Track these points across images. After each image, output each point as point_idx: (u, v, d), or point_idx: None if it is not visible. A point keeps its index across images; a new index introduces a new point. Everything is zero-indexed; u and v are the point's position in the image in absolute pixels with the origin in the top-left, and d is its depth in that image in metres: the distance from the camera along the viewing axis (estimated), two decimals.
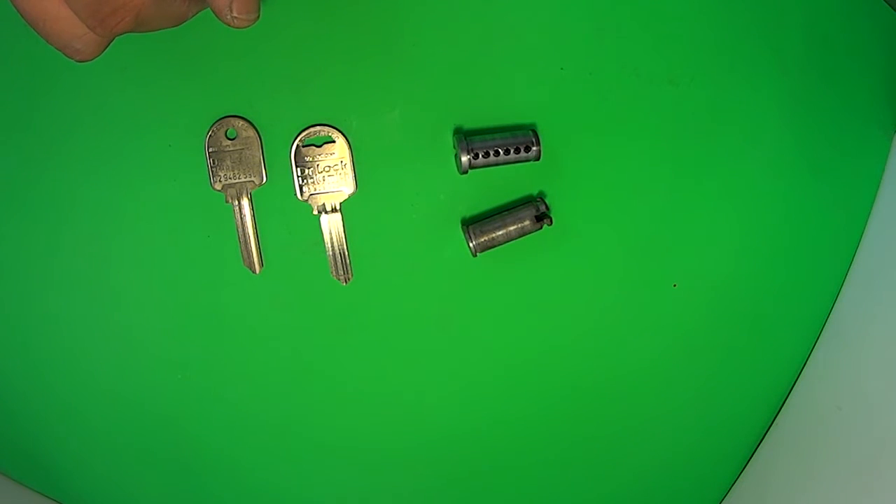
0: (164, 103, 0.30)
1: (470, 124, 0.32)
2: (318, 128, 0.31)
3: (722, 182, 0.33)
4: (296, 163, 0.31)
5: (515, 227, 0.31)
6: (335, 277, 0.32)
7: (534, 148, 0.31)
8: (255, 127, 0.31)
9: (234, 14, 0.23)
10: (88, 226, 0.31)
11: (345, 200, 0.31)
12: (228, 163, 0.31)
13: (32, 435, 0.32)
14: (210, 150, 0.31)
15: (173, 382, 0.32)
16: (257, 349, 0.32)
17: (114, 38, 0.23)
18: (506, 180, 0.32)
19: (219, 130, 0.31)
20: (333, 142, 0.31)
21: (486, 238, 0.31)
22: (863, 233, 0.35)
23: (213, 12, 0.23)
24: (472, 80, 0.31)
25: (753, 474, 0.36)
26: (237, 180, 0.31)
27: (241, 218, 0.31)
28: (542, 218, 0.31)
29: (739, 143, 0.33)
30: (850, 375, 0.33)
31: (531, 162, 0.31)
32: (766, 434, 0.36)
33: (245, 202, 0.31)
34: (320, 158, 0.31)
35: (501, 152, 0.30)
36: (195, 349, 0.32)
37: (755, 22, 0.32)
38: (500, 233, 0.31)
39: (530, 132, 0.31)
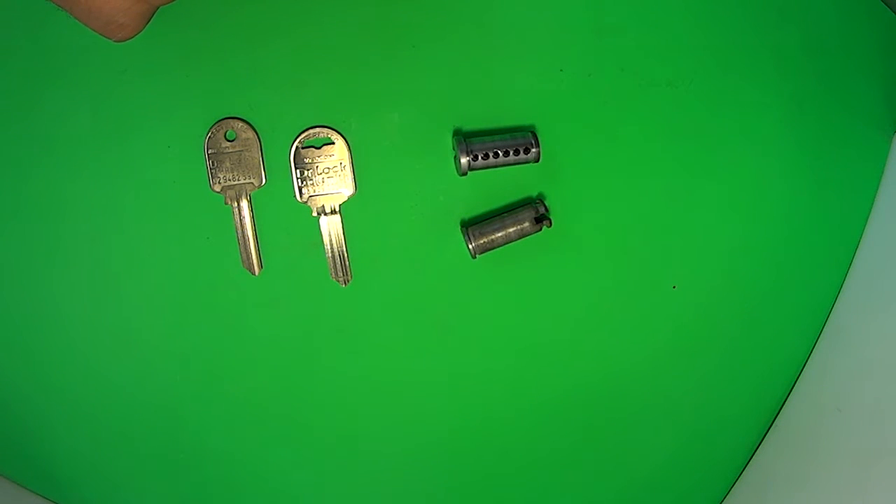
0: (163, 105, 0.30)
1: (469, 126, 0.32)
2: (317, 129, 0.31)
3: (721, 183, 0.33)
4: (295, 164, 0.31)
5: (515, 228, 0.31)
6: (334, 279, 0.32)
7: (533, 149, 0.31)
8: (254, 128, 0.31)
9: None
10: (88, 227, 0.31)
11: (344, 202, 0.31)
12: (228, 164, 0.31)
13: (32, 437, 0.32)
14: (209, 151, 0.31)
15: (173, 384, 0.32)
16: (256, 351, 0.32)
17: (154, 11, 0.23)
18: (505, 182, 0.32)
19: (218, 132, 0.31)
20: (333, 143, 0.31)
21: (486, 240, 0.31)
22: (863, 233, 0.35)
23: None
24: (471, 82, 0.31)
25: (753, 474, 0.36)
26: (236, 182, 0.31)
27: (241, 219, 0.31)
28: (541, 219, 0.31)
29: (738, 145, 0.33)
30: (850, 375, 0.33)
31: (530, 163, 0.31)
32: (766, 434, 0.36)
33: (244, 204, 0.31)
34: (320, 160, 0.31)
35: (501, 154, 0.30)
36: (194, 351, 0.32)
37: (754, 24, 0.32)
38: (500, 234, 0.31)
39: (529, 134, 0.31)
